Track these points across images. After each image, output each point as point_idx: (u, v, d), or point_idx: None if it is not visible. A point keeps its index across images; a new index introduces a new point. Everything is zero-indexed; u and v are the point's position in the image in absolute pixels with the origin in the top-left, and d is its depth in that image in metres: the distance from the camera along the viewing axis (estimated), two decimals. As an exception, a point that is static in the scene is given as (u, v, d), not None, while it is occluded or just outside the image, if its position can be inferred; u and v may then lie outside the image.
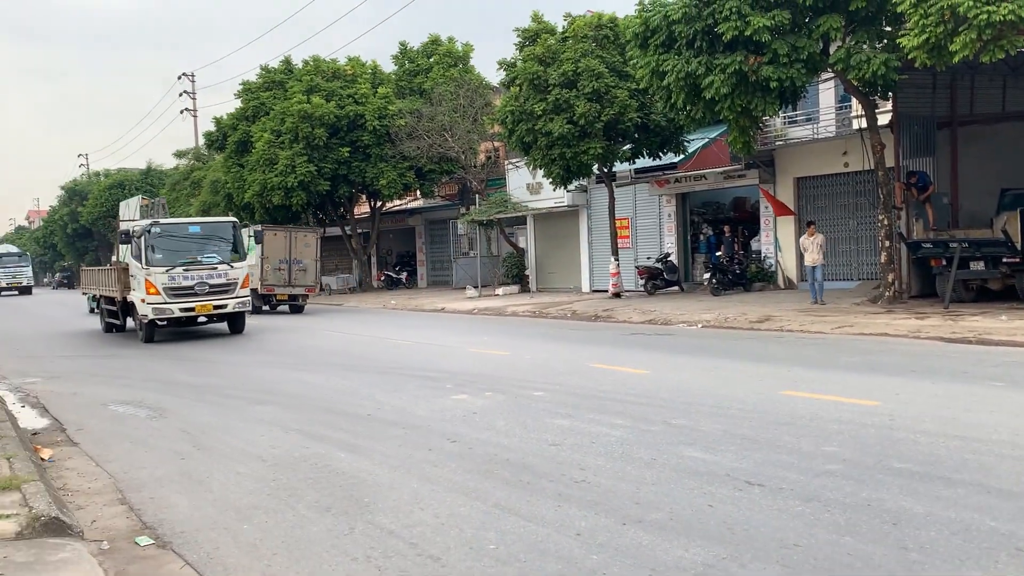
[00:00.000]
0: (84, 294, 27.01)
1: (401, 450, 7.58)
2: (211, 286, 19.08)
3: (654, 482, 6.13)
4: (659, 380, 10.61)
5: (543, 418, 8.54)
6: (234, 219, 21.46)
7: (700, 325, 17.22)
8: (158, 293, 18.59)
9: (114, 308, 21.78)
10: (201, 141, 49.92)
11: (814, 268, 18.83)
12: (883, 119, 18.62)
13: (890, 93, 17.52)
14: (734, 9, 15.68)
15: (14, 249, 74.22)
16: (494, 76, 30.67)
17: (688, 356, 13.02)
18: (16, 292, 63.50)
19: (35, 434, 9.29)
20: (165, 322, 19.69)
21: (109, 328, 22.78)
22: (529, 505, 5.78)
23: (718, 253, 24.48)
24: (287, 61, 39.82)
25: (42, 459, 7.88)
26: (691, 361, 12.42)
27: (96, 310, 25.83)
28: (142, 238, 18.96)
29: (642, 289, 25.55)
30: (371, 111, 34.80)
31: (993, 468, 6.03)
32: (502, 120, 24.46)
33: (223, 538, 5.55)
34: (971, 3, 12.78)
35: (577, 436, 7.66)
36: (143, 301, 18.80)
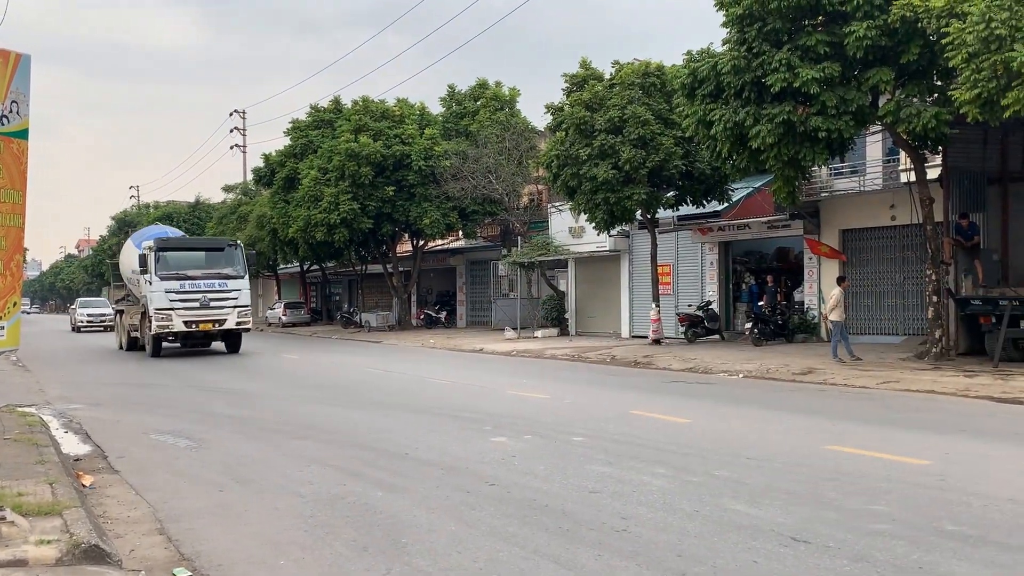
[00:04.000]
0: None
1: (439, 491, 7.52)
2: None
3: (697, 534, 6.01)
4: (701, 429, 10.47)
5: (583, 464, 8.44)
6: None
7: (741, 375, 17.00)
8: None
9: None
10: (249, 176, 50.90)
11: (842, 324, 18.13)
12: (932, 173, 18.39)
13: (940, 147, 17.33)
14: (783, 61, 15.68)
15: (176, 232, 33.03)
16: (540, 120, 30.98)
17: (730, 406, 12.82)
18: (204, 339, 26.25)
19: (77, 460, 9.39)
20: None
21: None
22: (569, 553, 5.69)
23: (760, 303, 24.21)
24: (336, 101, 40.58)
25: (83, 485, 7.95)
26: (733, 411, 12.23)
27: None
28: None
29: (682, 336, 25.32)
30: (417, 151, 35.22)
31: (1050, 535, 5.82)
32: (547, 164, 24.58)
33: (260, 573, 5.53)
34: (1025, 59, 12.65)
35: (618, 484, 7.55)
36: None
